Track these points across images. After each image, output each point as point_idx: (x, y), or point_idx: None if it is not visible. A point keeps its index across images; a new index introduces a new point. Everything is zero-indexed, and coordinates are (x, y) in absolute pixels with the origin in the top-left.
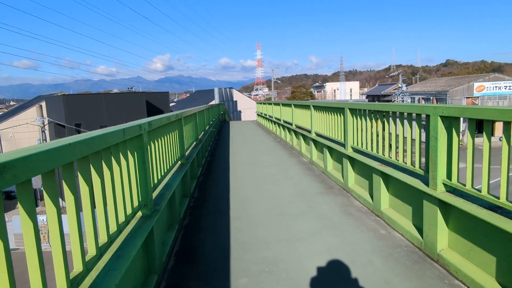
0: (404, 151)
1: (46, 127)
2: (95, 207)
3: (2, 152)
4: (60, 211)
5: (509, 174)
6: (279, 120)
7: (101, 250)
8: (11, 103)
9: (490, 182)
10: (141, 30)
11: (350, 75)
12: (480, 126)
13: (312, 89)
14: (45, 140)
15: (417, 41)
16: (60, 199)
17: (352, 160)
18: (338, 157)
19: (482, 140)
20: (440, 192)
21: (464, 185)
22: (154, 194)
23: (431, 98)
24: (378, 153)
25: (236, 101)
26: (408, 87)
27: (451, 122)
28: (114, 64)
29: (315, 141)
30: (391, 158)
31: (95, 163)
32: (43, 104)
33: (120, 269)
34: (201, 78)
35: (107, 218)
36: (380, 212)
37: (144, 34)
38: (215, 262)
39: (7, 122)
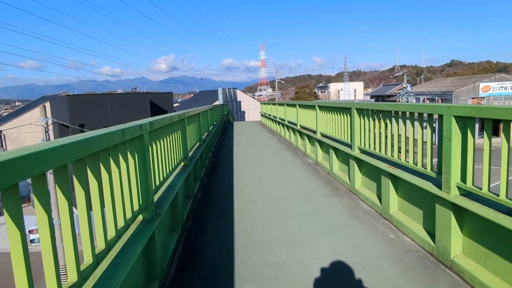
0: (415, 152)
1: (50, 127)
2: (92, 210)
3: None
4: (51, 217)
5: None
6: (284, 120)
7: (98, 258)
8: (17, 103)
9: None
10: (145, 30)
11: (354, 76)
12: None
13: (316, 90)
14: (49, 140)
15: (422, 41)
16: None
17: (359, 162)
18: (344, 158)
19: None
20: (454, 195)
21: (480, 189)
22: (156, 197)
23: (436, 98)
24: (386, 154)
25: (240, 102)
26: (413, 88)
27: (466, 122)
28: (119, 64)
29: (320, 142)
30: (400, 159)
31: (92, 165)
32: (47, 104)
33: (119, 277)
34: (205, 79)
35: (105, 223)
36: (389, 215)
37: (148, 35)
38: (219, 266)
39: (12, 122)
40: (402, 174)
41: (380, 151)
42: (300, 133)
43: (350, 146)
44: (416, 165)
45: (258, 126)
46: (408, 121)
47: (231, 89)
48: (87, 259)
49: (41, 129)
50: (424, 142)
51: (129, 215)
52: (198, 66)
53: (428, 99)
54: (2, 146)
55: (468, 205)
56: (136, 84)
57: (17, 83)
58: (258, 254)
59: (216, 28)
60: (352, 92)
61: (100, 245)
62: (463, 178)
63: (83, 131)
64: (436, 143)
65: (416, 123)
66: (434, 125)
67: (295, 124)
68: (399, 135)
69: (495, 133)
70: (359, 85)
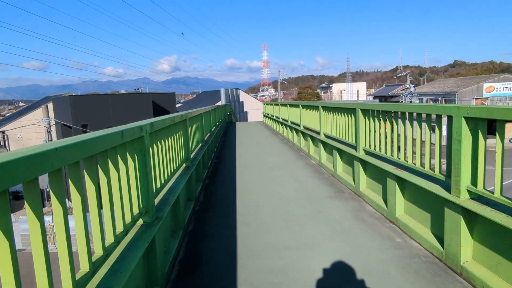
0: (422, 154)
1: (53, 127)
2: (88, 212)
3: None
4: (44, 224)
5: None
6: (286, 121)
7: (95, 266)
8: (20, 104)
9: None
10: (148, 31)
11: (357, 76)
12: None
13: (318, 90)
14: (51, 141)
15: (424, 42)
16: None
17: (364, 163)
18: (349, 159)
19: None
20: (464, 199)
21: (492, 192)
22: (157, 200)
23: (440, 99)
24: (392, 156)
25: (242, 102)
26: (416, 88)
27: (477, 124)
28: (121, 65)
29: (324, 143)
30: (407, 161)
31: (89, 168)
32: (50, 105)
33: (117, 286)
34: (208, 79)
35: (103, 229)
36: (395, 219)
37: (151, 36)
38: (221, 270)
39: (15, 123)
40: (409, 177)
41: (386, 152)
42: (303, 134)
43: (354, 148)
44: (424, 168)
45: (261, 127)
46: (415, 122)
47: (234, 90)
48: (84, 267)
49: (44, 129)
50: (432, 144)
51: (128, 219)
52: (200, 66)
53: (431, 99)
54: (5, 147)
55: (479, 210)
56: (139, 84)
57: (21, 83)
58: (262, 259)
59: (218, 29)
60: (354, 92)
61: (98, 251)
62: (474, 181)
63: (85, 132)
64: (440, 144)
65: (424, 124)
66: (444, 125)
67: (298, 125)
68: (405, 137)
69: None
70: (361, 86)
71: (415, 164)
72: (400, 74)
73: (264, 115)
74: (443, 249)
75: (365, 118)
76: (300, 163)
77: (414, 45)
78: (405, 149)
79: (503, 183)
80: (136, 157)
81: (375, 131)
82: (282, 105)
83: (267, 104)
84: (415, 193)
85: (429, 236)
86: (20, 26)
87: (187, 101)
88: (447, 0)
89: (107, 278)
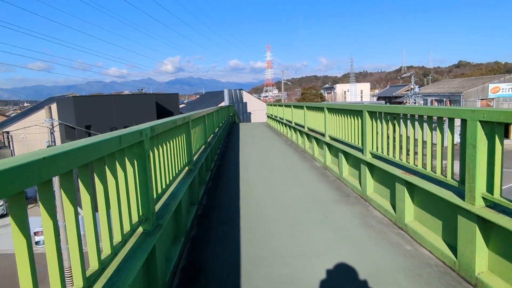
0: (433, 158)
1: (56, 128)
2: (83, 222)
3: (14, 153)
4: (30, 238)
5: None
6: (290, 122)
7: (89, 281)
8: (25, 104)
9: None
10: (152, 32)
11: (361, 77)
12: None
13: (322, 91)
14: (54, 141)
15: (429, 42)
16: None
17: (371, 167)
18: (355, 162)
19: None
20: (479, 207)
21: (510, 201)
22: (158, 206)
23: (445, 99)
24: (401, 160)
25: (246, 103)
26: (421, 89)
27: (493, 128)
28: (125, 66)
29: (329, 145)
30: (416, 166)
31: (83, 176)
32: (54, 105)
33: None
34: (211, 80)
35: (98, 241)
36: (404, 225)
37: (155, 36)
38: (225, 279)
39: (19, 123)
40: (419, 182)
41: (394, 156)
42: (308, 136)
43: (361, 150)
44: (435, 173)
45: (265, 128)
46: (425, 125)
47: (237, 90)
48: (77, 283)
49: (47, 130)
50: (444, 147)
51: (127, 228)
52: (204, 67)
53: (436, 100)
54: (9, 147)
55: (495, 219)
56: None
57: (26, 84)
58: (266, 266)
59: (222, 29)
60: (358, 93)
61: (94, 265)
62: (490, 188)
63: (89, 133)
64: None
65: (434, 127)
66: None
67: (303, 127)
68: (415, 140)
69: (507, 135)
70: (365, 86)
71: (425, 168)
72: (404, 75)
73: (268, 116)
74: (456, 258)
75: (372, 121)
76: (305, 166)
77: (418, 46)
78: (415, 152)
79: None
80: (135, 162)
81: (382, 134)
82: (286, 106)
83: (270, 105)
84: (425, 199)
85: (440, 244)
86: (25, 27)
87: (190, 102)
88: (451, 0)
89: None
